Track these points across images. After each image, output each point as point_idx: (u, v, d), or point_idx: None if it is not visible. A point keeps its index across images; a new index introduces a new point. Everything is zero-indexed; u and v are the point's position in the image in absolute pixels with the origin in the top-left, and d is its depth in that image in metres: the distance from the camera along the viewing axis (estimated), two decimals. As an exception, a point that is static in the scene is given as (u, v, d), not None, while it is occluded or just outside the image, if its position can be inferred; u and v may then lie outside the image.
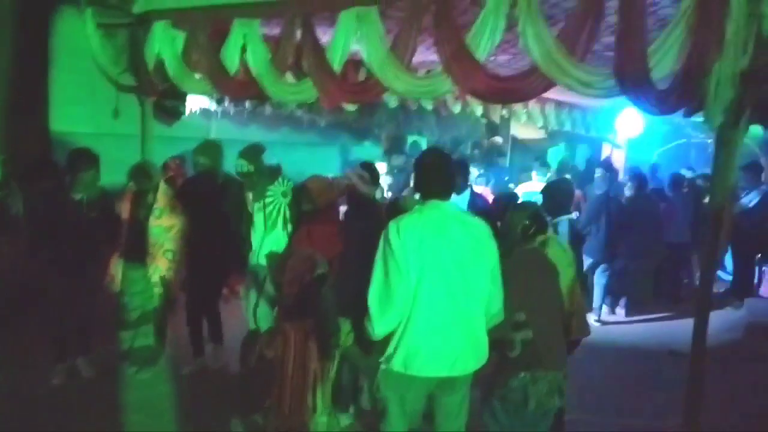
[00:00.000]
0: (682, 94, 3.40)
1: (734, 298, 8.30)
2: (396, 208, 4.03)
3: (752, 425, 4.71)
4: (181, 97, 5.89)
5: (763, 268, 8.84)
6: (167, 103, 5.94)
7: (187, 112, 6.34)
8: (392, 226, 2.94)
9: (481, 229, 3.10)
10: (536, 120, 10.33)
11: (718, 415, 4.56)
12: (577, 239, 5.75)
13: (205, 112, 6.63)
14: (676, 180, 8.72)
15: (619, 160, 17.15)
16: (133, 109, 5.92)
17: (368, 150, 9.89)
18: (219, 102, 6.44)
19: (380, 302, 2.92)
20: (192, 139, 6.88)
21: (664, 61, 3.43)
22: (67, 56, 6.04)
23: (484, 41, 3.94)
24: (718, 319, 7.20)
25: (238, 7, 4.91)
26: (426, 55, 4.86)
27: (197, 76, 5.29)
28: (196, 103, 6.30)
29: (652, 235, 7.48)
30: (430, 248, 2.92)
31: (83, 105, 6.07)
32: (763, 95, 4.86)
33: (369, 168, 4.87)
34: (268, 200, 4.77)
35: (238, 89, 5.16)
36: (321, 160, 9.03)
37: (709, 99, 3.33)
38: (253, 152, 4.75)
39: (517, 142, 12.77)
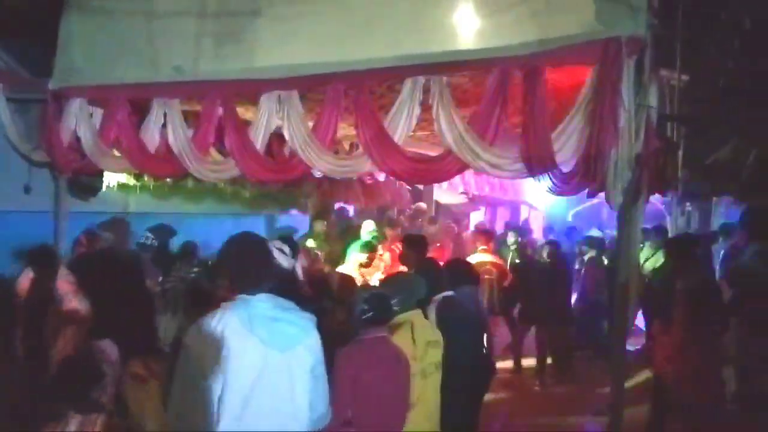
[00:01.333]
0: (584, 177, 3.66)
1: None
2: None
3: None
4: (98, 173, 5.74)
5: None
6: (83, 179, 5.76)
7: (104, 186, 6.16)
8: (192, 331, 2.47)
9: (299, 323, 2.61)
10: (457, 186, 10.70)
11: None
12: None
13: (123, 186, 6.47)
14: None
15: (536, 221, 17.98)
16: (46, 185, 5.69)
17: (295, 219, 9.89)
18: (138, 177, 6.31)
19: (179, 418, 2.45)
20: (109, 214, 6.69)
21: (566, 146, 3.71)
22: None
23: (401, 125, 4.13)
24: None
25: (158, 86, 4.91)
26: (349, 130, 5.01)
27: (115, 153, 5.19)
28: (113, 177, 6.15)
29: (563, 300, 7.80)
30: (233, 356, 2.40)
31: (-8, 182, 5.80)
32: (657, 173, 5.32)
33: (288, 241, 4.84)
34: (168, 284, 4.67)
35: (159, 167, 5.10)
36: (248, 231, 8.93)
37: (609, 181, 3.60)
38: (160, 229, 4.63)
39: (440, 208, 13.11)
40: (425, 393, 3.34)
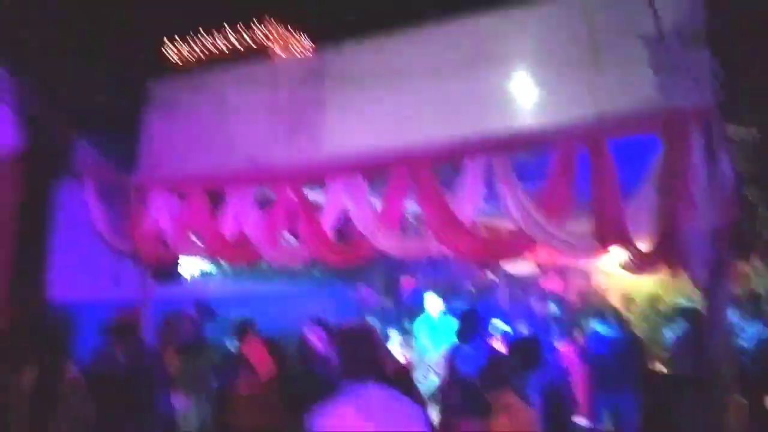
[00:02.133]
0: (662, 254, 3.53)
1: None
2: None
3: None
4: (179, 261, 6.02)
5: None
6: (166, 267, 6.05)
7: (186, 274, 6.46)
8: (313, 415, 2.64)
9: (410, 411, 2.77)
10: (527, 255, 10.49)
11: None
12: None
13: (204, 273, 6.78)
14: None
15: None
16: (132, 274, 6.00)
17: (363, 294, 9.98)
18: (217, 263, 6.57)
19: None
20: (190, 299, 6.97)
21: (640, 222, 3.61)
22: (68, 226, 6.25)
23: (467, 204, 4.15)
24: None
25: (233, 175, 5.17)
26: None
27: (195, 241, 5.44)
28: (195, 264, 6.44)
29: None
30: None
31: (82, 272, 6.18)
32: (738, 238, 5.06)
33: (323, 324, 4.87)
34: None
35: (235, 253, 5.30)
36: (316, 308, 9.04)
37: (689, 257, 3.46)
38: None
39: (510, 278, 12.84)
40: None
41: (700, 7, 3.66)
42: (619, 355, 6.92)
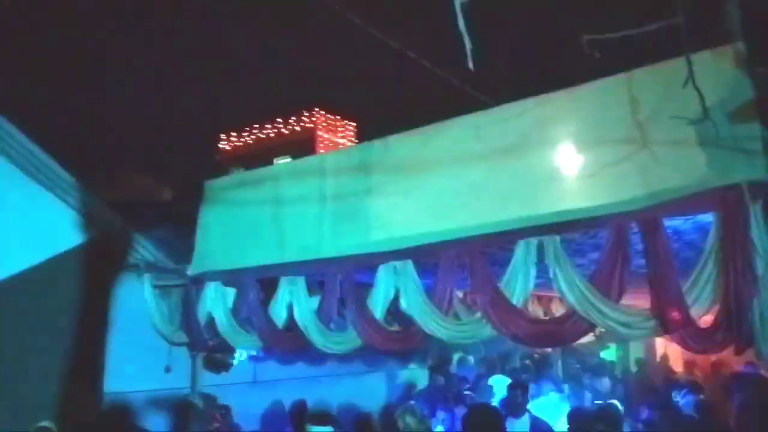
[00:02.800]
0: (726, 332, 3.39)
1: None
2: None
3: None
4: (231, 349, 6.10)
5: None
6: (217, 355, 6.14)
7: (236, 361, 6.52)
8: None
9: None
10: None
11: None
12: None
13: (252, 357, 6.82)
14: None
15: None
16: (184, 363, 6.09)
17: (414, 373, 9.77)
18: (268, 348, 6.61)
19: None
20: (239, 385, 6.96)
21: (701, 298, 3.49)
22: (125, 318, 6.45)
23: (519, 287, 4.10)
24: None
25: (284, 266, 5.28)
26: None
27: (247, 330, 5.52)
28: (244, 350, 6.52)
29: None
30: None
31: (137, 363, 6.31)
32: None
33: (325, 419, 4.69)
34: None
35: (286, 342, 5.33)
36: (367, 389, 8.87)
37: (756, 335, 3.31)
38: None
39: (567, 348, 12.39)
40: None
41: (744, 78, 3.65)
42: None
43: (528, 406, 5.91)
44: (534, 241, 4.09)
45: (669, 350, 16.25)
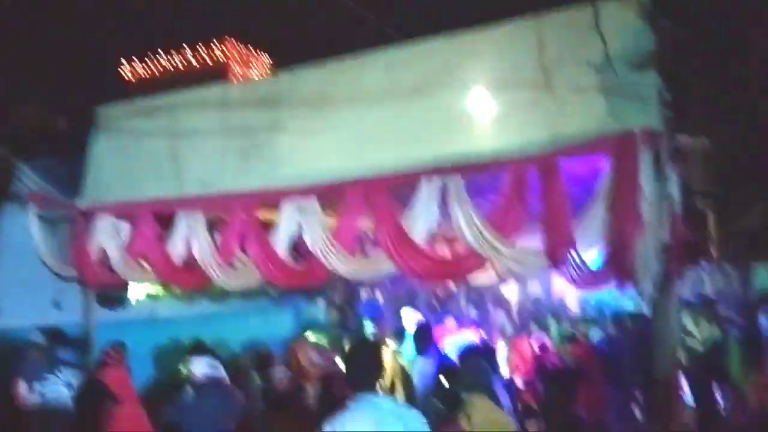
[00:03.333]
0: (610, 269, 3.58)
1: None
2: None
3: None
4: (125, 286, 5.84)
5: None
6: (111, 291, 5.86)
7: (132, 298, 6.27)
8: (325, 427, 2.84)
9: (416, 421, 2.98)
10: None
11: None
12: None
13: (151, 296, 6.58)
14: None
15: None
16: (76, 299, 5.79)
17: (320, 308, 9.86)
18: (165, 286, 6.38)
19: None
20: (138, 322, 6.73)
21: (589, 239, 3.66)
22: (9, 252, 6.01)
23: (421, 225, 4.13)
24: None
25: (183, 200, 5.03)
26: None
27: (143, 266, 5.28)
28: (141, 288, 6.26)
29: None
30: None
31: (25, 298, 5.94)
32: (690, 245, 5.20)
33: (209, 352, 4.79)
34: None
35: (185, 279, 5.16)
36: (274, 326, 8.87)
37: (636, 272, 3.51)
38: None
39: (470, 287, 12.91)
40: None
41: (647, 29, 3.73)
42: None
43: (434, 343, 6.09)
44: (437, 181, 4.10)
45: (563, 289, 17.40)
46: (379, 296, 10.53)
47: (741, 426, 8.06)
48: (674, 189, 3.70)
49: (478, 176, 4.48)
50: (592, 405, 6.05)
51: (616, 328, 7.55)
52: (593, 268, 3.69)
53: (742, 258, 10.64)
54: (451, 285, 11.38)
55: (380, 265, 4.31)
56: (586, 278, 3.73)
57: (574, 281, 3.79)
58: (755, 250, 9.46)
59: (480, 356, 4.56)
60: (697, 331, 8.49)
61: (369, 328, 8.31)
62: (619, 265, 3.54)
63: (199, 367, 4.50)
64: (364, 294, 10.80)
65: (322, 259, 4.39)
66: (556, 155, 3.72)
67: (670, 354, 4.03)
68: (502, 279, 14.07)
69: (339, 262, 4.33)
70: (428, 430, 3.01)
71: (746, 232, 9.32)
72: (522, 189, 3.83)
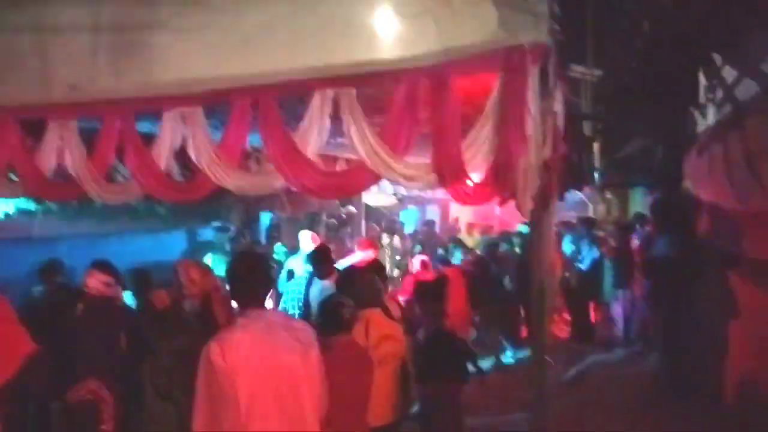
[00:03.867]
0: (494, 186, 3.66)
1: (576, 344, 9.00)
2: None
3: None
4: (-9, 200, 5.35)
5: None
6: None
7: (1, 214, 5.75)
8: (213, 346, 2.73)
9: (306, 332, 3.03)
10: (387, 188, 10.72)
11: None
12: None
13: (24, 211, 6.06)
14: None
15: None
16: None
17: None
18: (39, 201, 5.89)
19: (206, 427, 2.73)
20: (11, 241, 6.24)
21: (477, 156, 3.69)
22: None
23: (312, 138, 4.01)
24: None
25: (52, 106, 4.57)
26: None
27: (9, 178, 4.81)
28: (11, 202, 5.73)
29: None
30: (259, 366, 2.76)
31: None
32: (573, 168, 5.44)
33: (110, 270, 4.64)
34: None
35: (57, 192, 4.77)
36: (167, 248, 8.58)
37: (519, 189, 3.61)
38: None
39: (370, 210, 13.06)
40: (379, 380, 3.79)
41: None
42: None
43: (336, 266, 6.11)
44: (330, 92, 3.96)
45: (458, 215, 18.07)
46: (279, 218, 10.43)
47: (607, 339, 8.92)
48: (559, 107, 3.80)
49: (372, 92, 4.43)
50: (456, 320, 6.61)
51: (488, 252, 8.22)
52: (478, 185, 3.75)
53: (621, 184, 11.47)
54: (351, 208, 11.48)
55: (270, 179, 4.17)
56: (471, 195, 3.79)
57: (460, 198, 3.85)
58: (633, 176, 10.22)
59: (374, 273, 4.70)
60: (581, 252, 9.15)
61: (281, 249, 8.27)
62: (502, 182, 3.61)
63: (94, 283, 4.24)
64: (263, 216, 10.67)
65: (208, 172, 4.18)
66: (449, 67, 3.67)
67: (546, 270, 4.28)
68: (402, 203, 14.41)
69: (225, 176, 4.14)
70: (315, 341, 3.03)
71: (627, 159, 9.99)
72: (414, 103, 3.78)
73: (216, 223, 9.15)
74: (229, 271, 3.12)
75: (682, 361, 6.49)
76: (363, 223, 11.73)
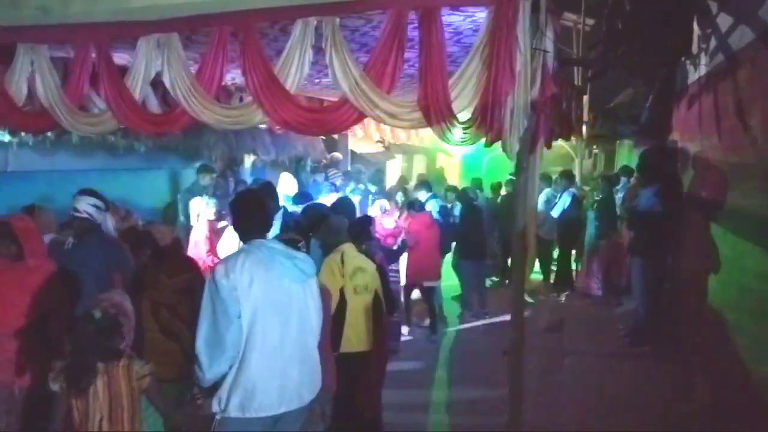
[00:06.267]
0: (481, 125, 3.55)
1: (554, 292, 9.11)
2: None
3: (573, 419, 5.05)
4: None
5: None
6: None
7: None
8: (219, 268, 2.87)
9: (305, 262, 3.11)
10: (372, 134, 10.53)
11: (544, 412, 4.90)
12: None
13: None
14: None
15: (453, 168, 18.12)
16: None
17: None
18: (13, 132, 5.68)
19: (209, 347, 2.83)
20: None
21: (464, 93, 3.58)
22: None
23: (293, 71, 3.86)
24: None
25: (21, 29, 4.35)
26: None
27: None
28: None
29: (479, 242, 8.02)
30: (260, 287, 2.86)
31: None
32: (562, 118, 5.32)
33: (98, 196, 4.36)
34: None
35: (28, 121, 4.59)
36: (148, 187, 8.39)
37: (506, 129, 3.51)
38: None
39: (356, 157, 12.90)
40: (356, 307, 4.02)
41: None
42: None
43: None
44: (313, 21, 3.79)
45: (446, 166, 17.98)
46: (261, 162, 10.23)
47: (585, 287, 9.01)
48: (550, 45, 3.67)
49: (358, 26, 4.26)
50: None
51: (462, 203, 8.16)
52: (466, 125, 3.64)
53: (609, 136, 11.39)
54: (337, 154, 11.31)
55: (249, 113, 4.03)
56: (457, 134, 3.69)
57: (446, 138, 3.74)
58: (621, 128, 10.13)
59: (343, 213, 4.71)
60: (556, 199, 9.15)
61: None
62: (488, 121, 3.51)
63: (83, 205, 4.07)
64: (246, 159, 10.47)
65: (184, 104, 4.03)
66: (437, 1, 3.51)
67: (529, 215, 4.23)
68: (389, 151, 14.21)
69: (203, 108, 3.99)
70: (315, 270, 3.19)
71: (615, 110, 9.87)
72: (399, 35, 3.62)
73: (199, 164, 8.93)
74: (231, 208, 3.30)
75: (662, 312, 6.58)
76: (349, 169, 11.59)
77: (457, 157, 17.23)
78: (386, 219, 6.98)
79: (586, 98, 10.64)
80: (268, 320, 2.87)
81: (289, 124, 3.93)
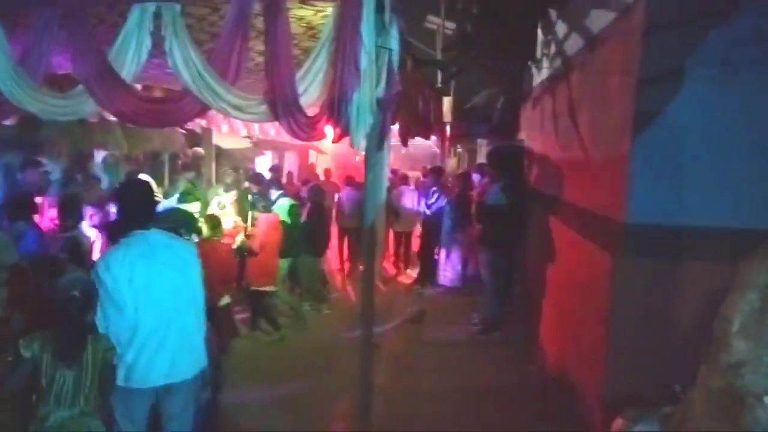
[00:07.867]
0: (328, 120, 3.54)
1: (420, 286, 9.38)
2: None
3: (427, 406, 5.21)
4: None
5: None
6: None
7: None
8: (101, 263, 3.08)
9: (186, 249, 3.38)
10: (239, 129, 10.21)
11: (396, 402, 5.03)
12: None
13: None
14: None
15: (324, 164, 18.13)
16: None
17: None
18: None
19: (108, 329, 3.09)
20: None
21: (311, 88, 3.54)
22: None
23: (129, 58, 3.62)
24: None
25: None
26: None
27: None
28: None
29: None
30: (141, 279, 3.07)
31: None
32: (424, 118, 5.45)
33: None
34: None
35: None
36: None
37: (352, 125, 3.53)
38: None
39: (222, 153, 12.46)
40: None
41: None
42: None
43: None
44: (151, 7, 3.57)
45: (318, 162, 17.96)
46: (113, 157, 9.58)
47: (452, 279, 9.38)
48: (395, 44, 3.74)
49: (205, 15, 4.08)
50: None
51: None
52: (312, 119, 3.62)
53: (465, 135, 11.97)
54: (199, 149, 10.85)
55: (80, 104, 3.72)
56: (305, 129, 3.65)
57: (293, 132, 3.69)
58: (476, 127, 10.67)
59: None
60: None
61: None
62: (335, 116, 3.51)
63: None
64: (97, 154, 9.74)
65: (5, 93, 3.64)
66: (281, -9, 3.45)
67: (378, 207, 4.29)
68: (257, 148, 13.87)
69: (26, 97, 3.63)
70: (195, 256, 3.38)
71: (472, 111, 10.36)
72: (243, 26, 3.51)
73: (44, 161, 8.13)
74: (115, 198, 3.47)
75: (508, 301, 6.99)
76: (213, 165, 11.17)
77: (329, 154, 17.28)
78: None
79: (449, 99, 11.09)
80: (151, 307, 3.11)
81: (125, 115, 3.69)
